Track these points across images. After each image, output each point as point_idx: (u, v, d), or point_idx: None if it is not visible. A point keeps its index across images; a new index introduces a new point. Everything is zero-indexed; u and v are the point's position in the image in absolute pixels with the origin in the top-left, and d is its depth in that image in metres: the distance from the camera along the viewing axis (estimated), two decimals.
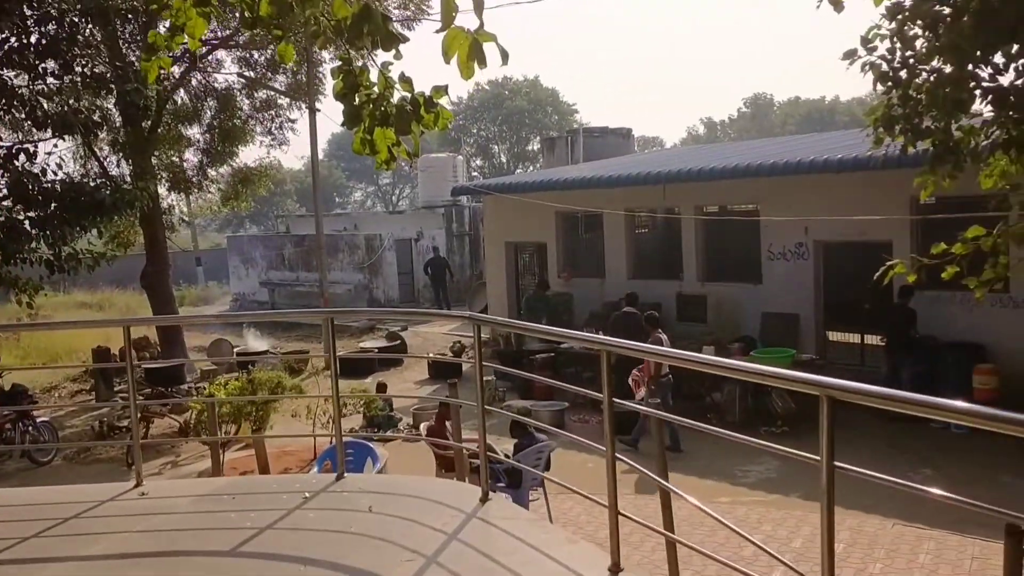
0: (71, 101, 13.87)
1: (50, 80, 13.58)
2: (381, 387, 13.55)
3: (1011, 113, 6.31)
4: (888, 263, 6.64)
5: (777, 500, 9.30)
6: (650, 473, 4.19)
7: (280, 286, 28.37)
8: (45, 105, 14.16)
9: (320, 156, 66.15)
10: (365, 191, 77.40)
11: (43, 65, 13.54)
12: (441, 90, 3.57)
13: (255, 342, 18.64)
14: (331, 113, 79.46)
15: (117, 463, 12.34)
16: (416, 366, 18.31)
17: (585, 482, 5.40)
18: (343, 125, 3.77)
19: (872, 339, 13.84)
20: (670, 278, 16.07)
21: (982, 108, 6.60)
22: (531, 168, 47.56)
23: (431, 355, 17.67)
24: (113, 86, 13.77)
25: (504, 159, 52.16)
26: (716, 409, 12.72)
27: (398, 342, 19.12)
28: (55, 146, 15.54)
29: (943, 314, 12.20)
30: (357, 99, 3.63)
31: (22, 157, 13.67)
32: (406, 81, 3.56)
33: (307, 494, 5.01)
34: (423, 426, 9.20)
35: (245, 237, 33.97)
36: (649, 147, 46.77)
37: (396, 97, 3.72)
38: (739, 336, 14.25)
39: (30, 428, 12.27)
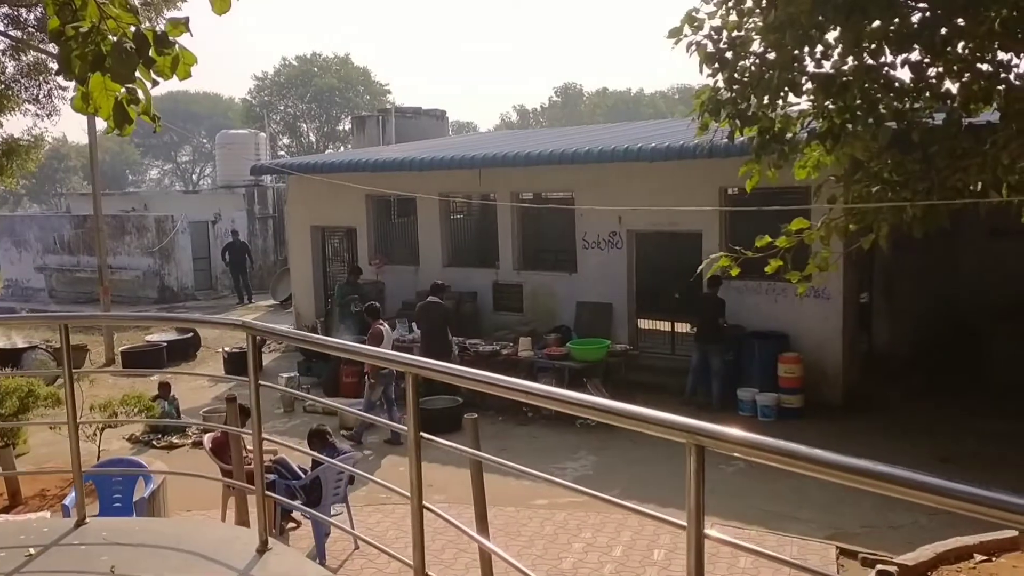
0: None
1: None
2: (163, 387, 12.12)
3: (834, 101, 6.10)
4: (712, 256, 6.30)
5: (595, 500, 8.89)
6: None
7: (58, 271, 25.56)
8: None
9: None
10: (162, 169, 72.45)
11: None
12: (180, 25, 2.68)
13: (19, 337, 16.41)
14: None
15: None
16: (211, 360, 16.83)
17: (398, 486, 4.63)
18: (57, 74, 2.79)
19: (683, 327, 13.91)
20: (487, 266, 15.54)
21: (802, 96, 6.37)
22: (342, 148, 45.88)
23: (224, 349, 16.24)
24: None
25: (313, 138, 49.99)
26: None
27: (190, 334, 17.48)
28: None
29: (749, 303, 12.36)
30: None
31: None
32: (129, 11, 2.63)
33: (31, 550, 3.90)
34: (207, 437, 8.07)
35: (17, 217, 30.40)
36: (463, 132, 46.30)
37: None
38: (555, 326, 13.94)
39: None
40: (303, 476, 7.53)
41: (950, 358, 13.55)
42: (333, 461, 6.23)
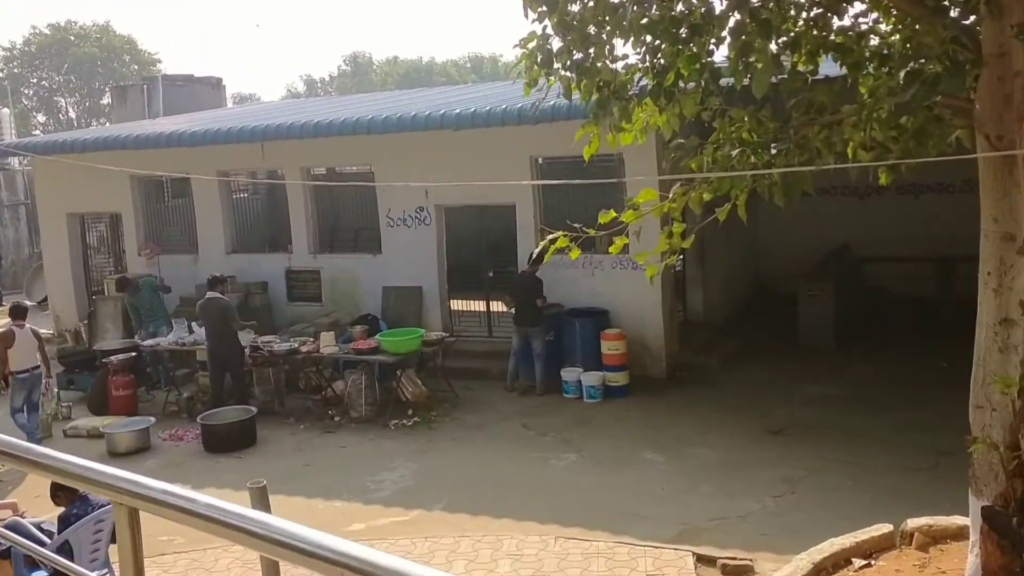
0: None
1: None
2: None
3: (667, 48, 5.20)
4: (549, 237, 5.28)
5: (419, 517, 7.80)
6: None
7: None
8: None
9: None
10: None
11: None
12: None
13: None
14: None
15: None
16: None
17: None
18: None
19: (499, 307, 13.01)
20: (278, 251, 13.90)
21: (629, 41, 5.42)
22: (107, 124, 41.53)
23: None
24: None
25: (73, 114, 44.91)
26: (339, 403, 10.96)
27: None
28: None
29: (565, 278, 11.59)
30: None
31: None
32: None
33: None
34: None
35: None
36: (246, 104, 43.11)
37: None
38: (360, 315, 12.61)
39: None
40: (49, 540, 5.87)
41: (763, 323, 13.55)
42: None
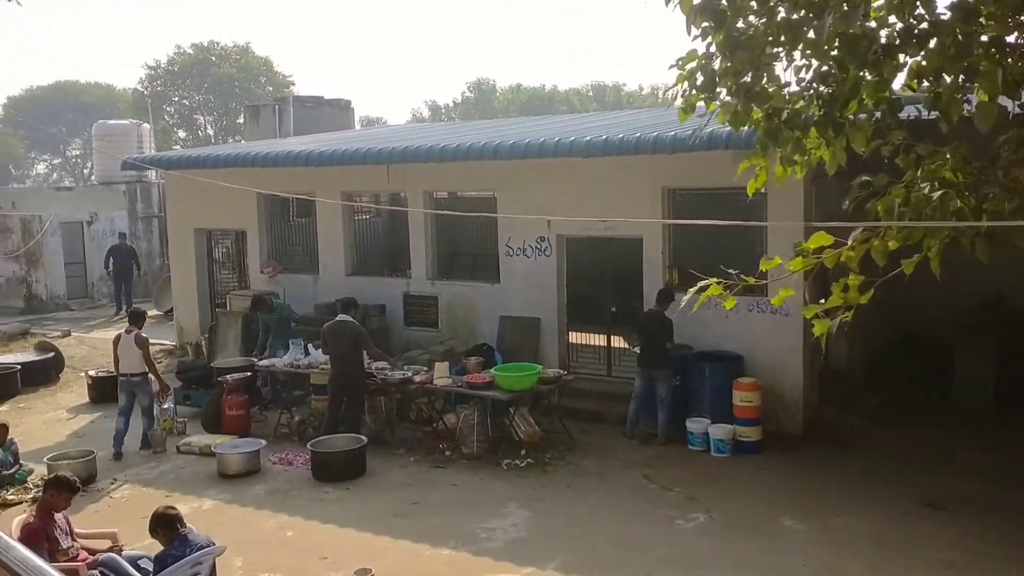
0: None
1: None
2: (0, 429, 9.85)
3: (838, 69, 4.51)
4: (701, 284, 4.63)
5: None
6: None
7: None
8: None
9: None
10: (51, 164, 67.52)
11: None
12: None
13: None
14: None
15: None
16: (75, 384, 14.47)
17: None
18: None
19: (621, 343, 12.35)
20: (397, 275, 13.67)
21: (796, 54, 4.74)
22: (242, 141, 43.17)
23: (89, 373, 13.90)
24: None
25: (211, 131, 46.88)
26: (450, 437, 10.51)
27: (51, 354, 15.05)
28: None
29: (696, 319, 10.74)
30: None
31: None
32: None
33: None
34: (16, 523, 6.00)
35: None
36: (372, 127, 44.02)
37: None
38: (476, 344, 12.18)
39: None
40: None
41: (909, 375, 12.38)
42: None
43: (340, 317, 10.92)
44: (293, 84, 46.76)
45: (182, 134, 47.05)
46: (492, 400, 10.28)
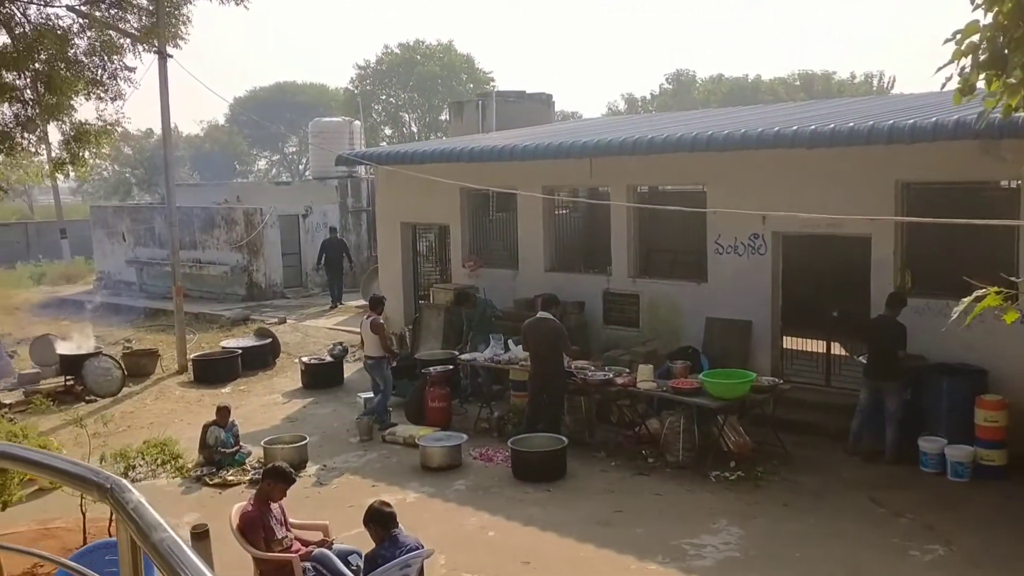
0: None
1: None
2: (222, 412, 10.39)
3: None
4: (977, 293, 3.96)
5: None
6: None
7: (148, 265, 24.64)
8: None
9: (221, 121, 61.04)
10: (270, 160, 72.70)
11: None
12: None
13: (81, 341, 15.11)
14: (201, 61, 74.21)
15: None
16: (289, 370, 15.20)
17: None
18: None
19: (839, 351, 11.42)
20: (597, 272, 13.34)
21: None
22: (444, 139, 44.42)
23: (303, 359, 14.53)
24: None
25: (415, 128, 48.63)
26: (653, 443, 10.06)
27: (268, 340, 15.91)
28: None
29: (931, 327, 9.71)
30: None
31: None
32: None
33: None
34: (235, 510, 6.16)
35: (111, 208, 29.70)
36: (569, 121, 43.94)
37: None
38: (679, 347, 11.63)
39: None
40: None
41: None
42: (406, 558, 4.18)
43: (540, 314, 10.74)
44: (493, 81, 47.63)
45: (388, 131, 49.10)
46: (700, 407, 9.73)
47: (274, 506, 6.09)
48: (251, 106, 60.32)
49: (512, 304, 13.46)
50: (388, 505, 5.85)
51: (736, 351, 11.48)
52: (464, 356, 11.88)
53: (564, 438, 9.83)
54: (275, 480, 6.11)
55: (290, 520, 6.23)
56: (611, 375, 10.44)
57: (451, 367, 11.78)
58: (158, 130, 56.89)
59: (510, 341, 11.42)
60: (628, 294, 12.77)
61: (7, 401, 13.08)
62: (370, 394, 12.01)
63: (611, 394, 10.64)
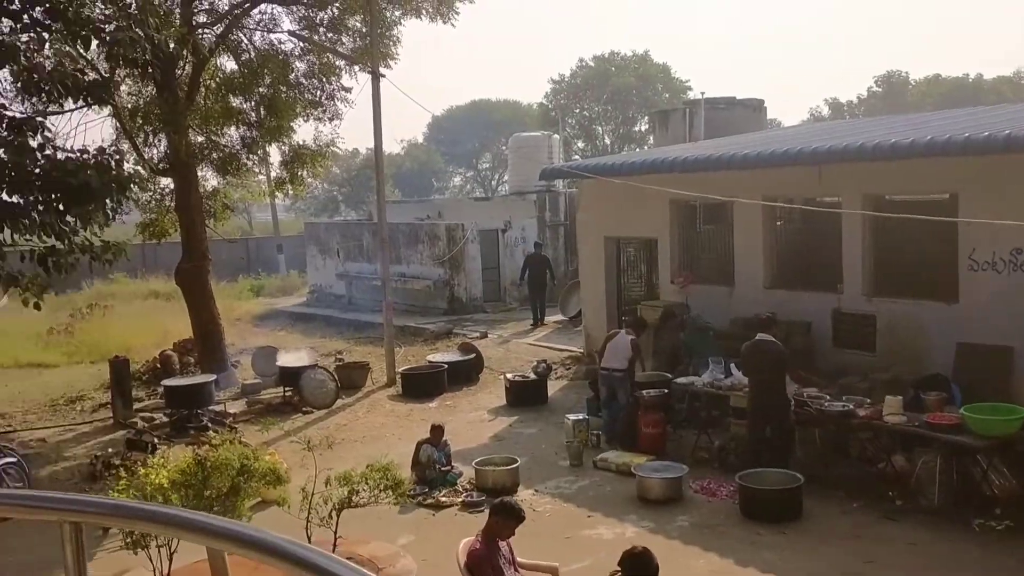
0: (62, 57, 11.12)
1: (32, 33, 10.82)
2: (436, 430, 10.26)
3: None
4: None
5: None
6: None
7: (357, 279, 25.60)
8: (47, 65, 11.52)
9: (419, 139, 63.45)
10: (464, 176, 74.71)
11: (29, 13, 10.78)
12: None
13: (299, 353, 15.63)
14: (400, 82, 77.01)
15: None
16: (493, 386, 15.05)
17: None
18: None
19: None
20: (825, 290, 12.23)
21: None
22: (637, 149, 43.66)
23: (507, 375, 14.31)
24: (106, 35, 10.88)
25: (608, 141, 48.17)
26: (901, 483, 8.93)
27: (472, 356, 15.86)
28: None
29: None
30: None
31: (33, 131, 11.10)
32: None
33: None
34: (462, 546, 5.80)
35: (322, 224, 31.30)
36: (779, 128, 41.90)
37: None
38: (925, 376, 10.35)
39: None
40: None
41: None
42: None
43: (761, 336, 9.93)
44: (690, 90, 46.43)
45: (581, 144, 48.95)
46: (958, 445, 8.52)
47: (502, 544, 5.71)
48: (447, 124, 62.20)
49: (728, 323, 12.61)
50: (649, 555, 5.25)
51: (993, 381, 10.06)
52: (680, 380, 11.18)
53: (800, 476, 8.91)
54: (504, 517, 5.72)
55: (518, 559, 5.83)
56: (850, 405, 9.40)
57: (665, 390, 11.10)
58: (363, 150, 60.05)
59: (732, 365, 10.61)
60: (863, 314, 11.60)
61: (232, 410, 13.69)
62: (578, 416, 11.55)
63: (849, 426, 9.59)
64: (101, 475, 10.77)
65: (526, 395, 13.76)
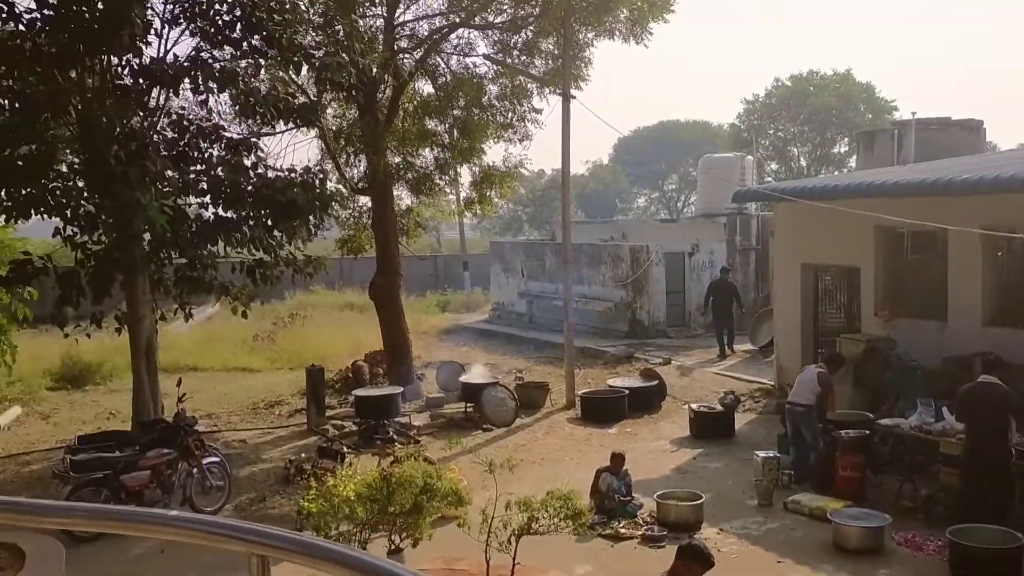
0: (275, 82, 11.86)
1: (250, 59, 11.61)
2: (616, 459, 9.99)
3: None
4: None
5: None
6: None
7: (539, 298, 25.76)
8: (262, 89, 12.36)
9: (604, 160, 63.54)
10: (649, 197, 73.98)
11: (248, 41, 11.57)
12: None
13: (481, 369, 15.81)
14: (591, 104, 77.00)
15: (289, 522, 9.87)
16: (675, 414, 14.59)
17: None
18: None
19: None
20: None
21: None
22: (835, 172, 41.47)
23: (692, 405, 13.79)
24: (315, 61, 11.49)
25: (804, 163, 46.09)
26: None
27: (654, 382, 15.45)
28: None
29: None
30: None
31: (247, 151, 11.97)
32: None
33: None
34: None
35: (507, 243, 31.78)
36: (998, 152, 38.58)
37: None
38: None
39: (194, 470, 10.20)
40: None
41: None
42: None
43: (984, 379, 8.99)
44: (896, 109, 43.67)
45: (774, 166, 47.14)
46: None
47: None
48: (634, 145, 61.83)
49: (939, 362, 11.55)
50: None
51: None
52: (884, 421, 10.33)
53: (1019, 534, 7.96)
54: (691, 561, 5.39)
55: None
56: None
57: (866, 431, 10.29)
58: (548, 170, 60.82)
59: (944, 408, 9.68)
60: None
61: (416, 423, 14.02)
62: (768, 453, 10.91)
63: None
64: (293, 479, 11.26)
65: (711, 427, 13.21)
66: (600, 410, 14.46)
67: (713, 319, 19.56)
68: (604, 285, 22.90)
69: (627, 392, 14.84)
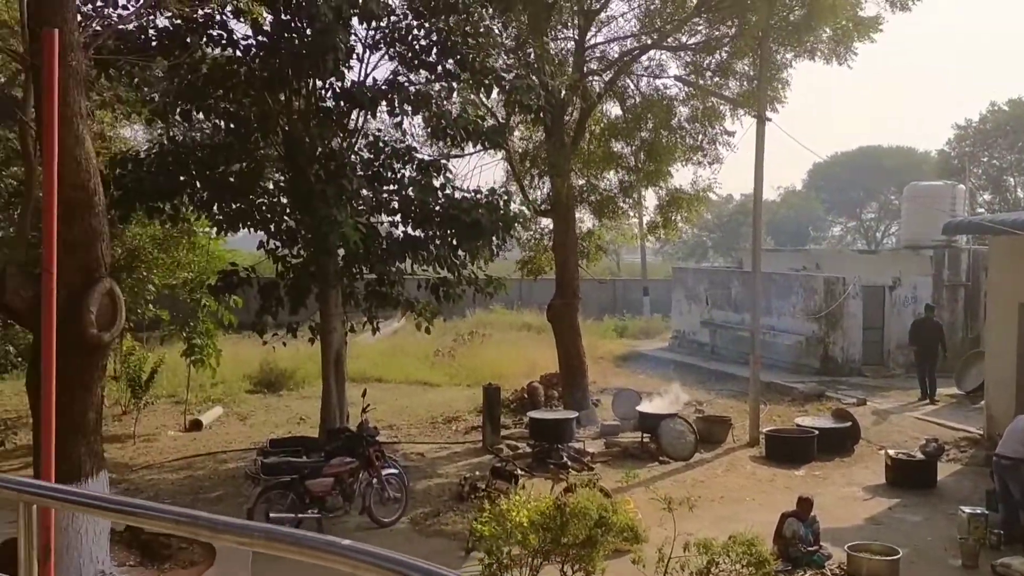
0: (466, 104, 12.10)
1: (443, 83, 11.91)
2: (804, 503, 9.32)
3: None
4: None
5: None
6: None
7: (722, 328, 24.87)
8: (453, 111, 12.68)
9: (799, 186, 61.08)
10: (845, 226, 70.29)
11: (442, 64, 11.89)
12: None
13: (663, 399, 15.35)
14: (786, 126, 73.93)
15: (461, 540, 9.91)
16: (869, 460, 13.54)
17: None
18: None
19: None
20: None
21: None
22: None
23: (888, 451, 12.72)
24: (506, 83, 11.60)
25: (1022, 194, 42.26)
26: None
27: (848, 423, 14.41)
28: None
29: None
30: None
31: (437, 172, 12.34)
32: None
33: None
34: None
35: (690, 270, 30.98)
36: None
37: None
38: None
39: (374, 480, 10.45)
40: None
41: None
42: None
43: None
44: None
45: (987, 196, 43.53)
46: None
47: None
48: (831, 171, 59.01)
49: None
50: None
51: None
52: None
53: None
54: None
55: None
56: None
57: None
58: (737, 195, 59.02)
59: None
60: None
61: (590, 450, 13.78)
62: (976, 509, 9.85)
63: None
64: (468, 497, 11.31)
65: (910, 476, 12.13)
66: (786, 450, 13.63)
67: (915, 359, 18.05)
68: (794, 317, 21.77)
69: (817, 432, 13.92)
